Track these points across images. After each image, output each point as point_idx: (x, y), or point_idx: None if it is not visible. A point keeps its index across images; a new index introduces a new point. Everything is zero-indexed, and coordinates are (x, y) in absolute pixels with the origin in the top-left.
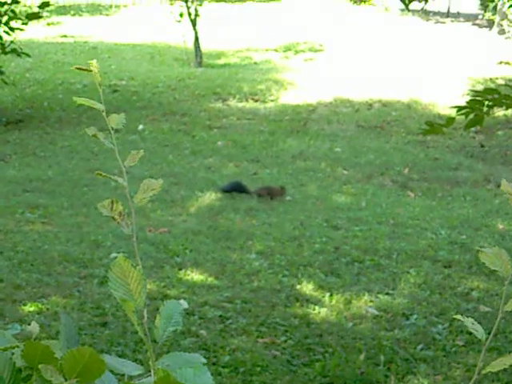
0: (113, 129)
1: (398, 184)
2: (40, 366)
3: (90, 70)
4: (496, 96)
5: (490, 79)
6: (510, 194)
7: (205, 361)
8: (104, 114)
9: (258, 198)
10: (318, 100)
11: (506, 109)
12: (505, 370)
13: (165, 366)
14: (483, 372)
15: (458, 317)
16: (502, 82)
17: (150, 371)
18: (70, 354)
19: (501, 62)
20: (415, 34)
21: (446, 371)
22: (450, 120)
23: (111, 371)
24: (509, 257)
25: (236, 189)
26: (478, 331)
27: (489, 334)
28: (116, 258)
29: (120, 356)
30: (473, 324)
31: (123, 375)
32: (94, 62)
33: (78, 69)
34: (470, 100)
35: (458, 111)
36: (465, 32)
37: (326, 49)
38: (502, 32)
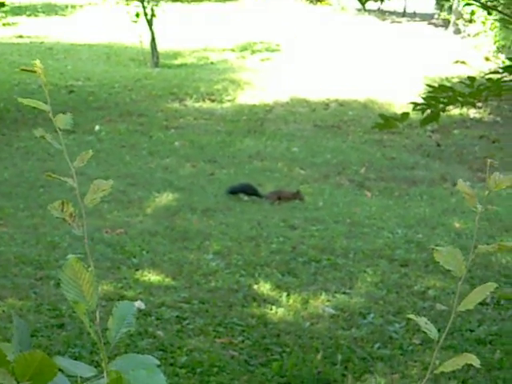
0: (60, 129)
1: (354, 183)
2: None
3: (35, 71)
4: (450, 94)
5: (446, 78)
6: (465, 193)
7: (158, 362)
8: (50, 114)
9: (267, 201)
10: (274, 100)
11: (461, 106)
12: (462, 367)
13: (118, 367)
14: (436, 372)
15: (412, 316)
16: (458, 82)
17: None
18: (21, 357)
19: (457, 61)
20: (372, 34)
21: (402, 370)
22: (405, 115)
23: (64, 373)
24: (463, 256)
25: (245, 190)
26: (431, 331)
27: (443, 333)
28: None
29: (77, 357)
30: (426, 323)
31: (77, 377)
32: (38, 62)
33: (22, 70)
34: (426, 96)
35: (414, 107)
36: (421, 31)
37: (282, 49)
38: (457, 31)
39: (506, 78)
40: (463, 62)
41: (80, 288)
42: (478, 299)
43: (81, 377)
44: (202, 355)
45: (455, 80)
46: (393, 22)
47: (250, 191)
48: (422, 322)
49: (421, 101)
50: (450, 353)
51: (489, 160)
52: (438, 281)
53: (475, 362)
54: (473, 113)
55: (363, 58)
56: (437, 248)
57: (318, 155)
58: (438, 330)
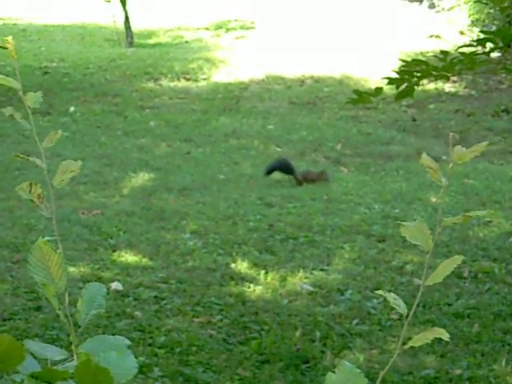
0: (30, 108)
1: (330, 160)
2: None
3: (6, 47)
4: (424, 68)
5: (421, 53)
6: (429, 167)
7: (129, 343)
8: (21, 92)
9: (296, 183)
10: (250, 78)
11: (435, 80)
12: (439, 341)
13: (88, 349)
14: (405, 347)
15: (380, 292)
16: (435, 55)
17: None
18: None
19: (431, 36)
20: (347, 9)
21: (381, 345)
22: (378, 90)
23: (34, 357)
24: (429, 230)
25: (281, 168)
26: (400, 306)
27: (413, 307)
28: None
29: (54, 340)
30: (395, 299)
31: (47, 360)
32: (10, 38)
33: None
34: (400, 71)
35: (388, 82)
36: (396, 7)
37: (257, 26)
38: (432, 6)
39: (479, 51)
40: (438, 37)
41: (48, 270)
42: (445, 273)
43: (51, 360)
44: (180, 335)
45: (430, 54)
46: None
47: (285, 169)
48: (391, 297)
49: (395, 75)
50: (428, 327)
51: (451, 134)
52: (415, 256)
53: (444, 335)
54: (448, 87)
55: (338, 34)
56: (403, 223)
57: (293, 132)
58: (417, 305)
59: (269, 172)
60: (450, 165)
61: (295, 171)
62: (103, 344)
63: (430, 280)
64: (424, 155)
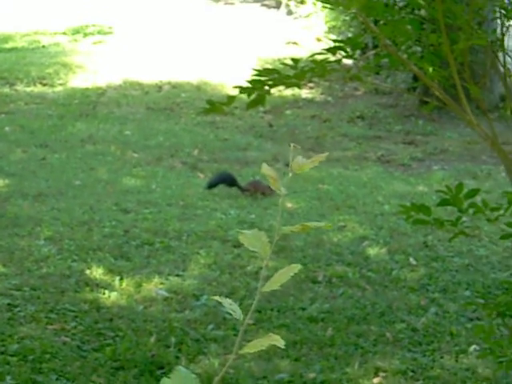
0: None
1: (187, 165)
2: None
3: None
4: (276, 75)
5: (279, 59)
6: (269, 176)
7: None
8: None
9: (244, 194)
10: (107, 83)
11: (286, 88)
12: (294, 345)
13: None
14: (240, 352)
15: (217, 298)
16: (290, 62)
17: None
18: None
19: (288, 42)
20: (205, 16)
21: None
22: (231, 98)
23: None
24: (267, 238)
25: (225, 181)
26: (236, 312)
27: (249, 313)
28: None
29: None
30: (231, 304)
31: None
32: None
33: None
34: (252, 80)
35: (240, 91)
36: (254, 13)
37: (115, 31)
38: (289, 12)
39: (332, 59)
40: (295, 43)
41: None
42: (282, 280)
43: None
44: (33, 342)
45: (288, 61)
46: (226, 3)
47: (229, 182)
48: (227, 302)
49: (247, 84)
50: (282, 331)
51: (292, 145)
52: (270, 261)
53: (279, 343)
54: (305, 93)
55: (196, 40)
56: (241, 231)
57: (150, 138)
58: (271, 309)
59: (211, 186)
60: (290, 174)
61: (239, 185)
62: None
63: (266, 287)
64: (264, 165)
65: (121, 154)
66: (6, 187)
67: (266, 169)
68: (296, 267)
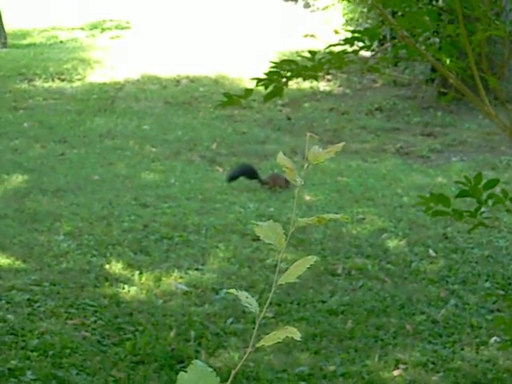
0: None
1: (206, 159)
2: None
3: None
4: (294, 67)
5: (296, 52)
6: (285, 166)
7: None
8: None
9: (264, 187)
10: (125, 78)
11: (304, 80)
12: (314, 338)
13: None
14: (257, 346)
15: (232, 291)
16: (308, 55)
17: None
18: None
19: (306, 35)
20: (224, 9)
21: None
22: (248, 91)
23: None
24: (283, 230)
25: (246, 174)
26: (252, 305)
27: (265, 306)
28: None
29: None
30: (247, 298)
31: None
32: None
33: None
34: (269, 71)
35: (257, 83)
36: (272, 6)
37: (132, 26)
38: (306, 5)
39: (348, 51)
40: (313, 36)
41: None
42: (298, 272)
43: None
44: (53, 337)
45: (305, 54)
46: None
47: (250, 174)
48: (243, 296)
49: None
50: (302, 324)
51: (308, 134)
52: (289, 254)
53: (296, 335)
54: (323, 86)
55: (215, 34)
56: (257, 223)
57: (168, 132)
58: (291, 303)
59: (232, 178)
60: (306, 165)
61: (260, 177)
62: None
63: (282, 279)
64: (280, 154)
65: (139, 149)
66: (25, 183)
67: (281, 158)
68: (312, 259)
